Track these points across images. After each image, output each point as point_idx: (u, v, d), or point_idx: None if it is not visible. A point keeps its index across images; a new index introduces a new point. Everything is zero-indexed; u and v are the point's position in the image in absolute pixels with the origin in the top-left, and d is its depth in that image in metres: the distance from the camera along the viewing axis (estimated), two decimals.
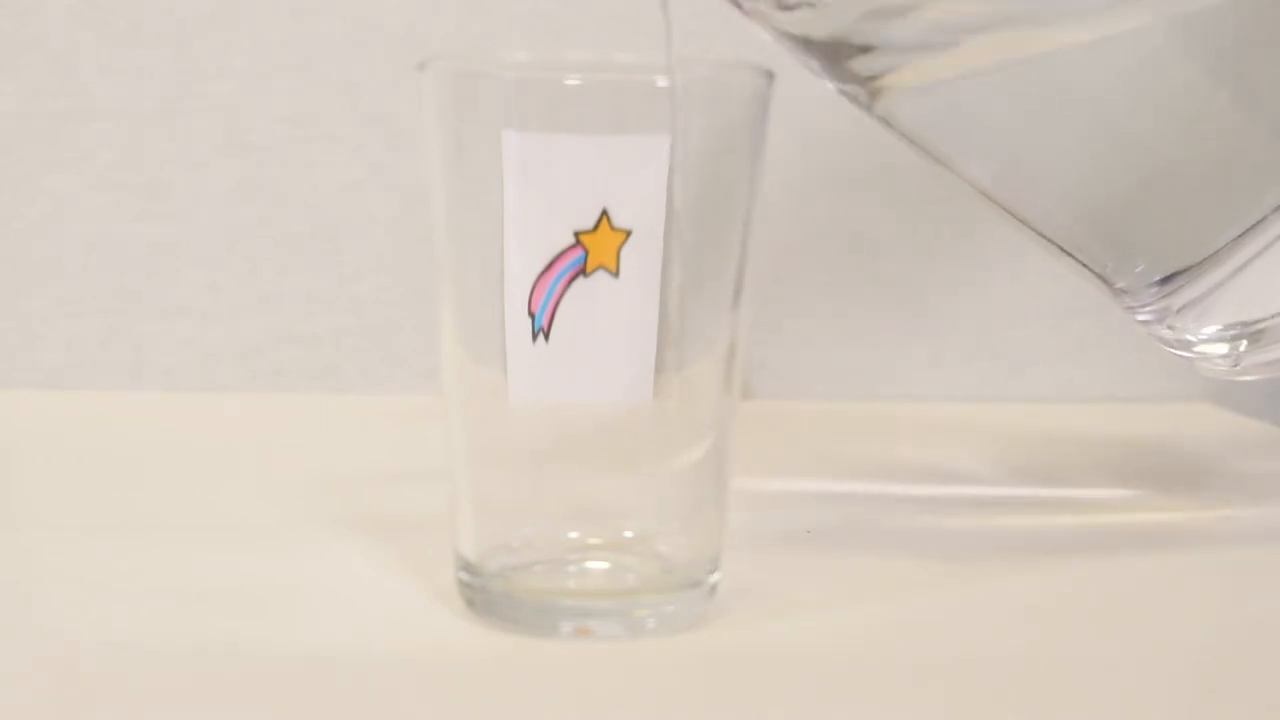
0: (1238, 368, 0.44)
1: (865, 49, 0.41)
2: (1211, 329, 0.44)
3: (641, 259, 0.37)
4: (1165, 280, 0.43)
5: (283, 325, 0.66)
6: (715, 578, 0.39)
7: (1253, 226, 0.42)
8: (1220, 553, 0.47)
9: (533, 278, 0.37)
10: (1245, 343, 0.44)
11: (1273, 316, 0.43)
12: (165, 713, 0.33)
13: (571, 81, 0.37)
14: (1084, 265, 0.45)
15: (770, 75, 0.37)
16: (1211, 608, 0.42)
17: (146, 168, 0.65)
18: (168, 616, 0.38)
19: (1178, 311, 0.43)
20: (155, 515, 0.47)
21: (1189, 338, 0.44)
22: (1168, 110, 0.42)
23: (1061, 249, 0.45)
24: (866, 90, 0.42)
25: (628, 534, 0.37)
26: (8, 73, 0.64)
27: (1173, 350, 0.45)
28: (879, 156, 0.67)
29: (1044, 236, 0.44)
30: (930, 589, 0.42)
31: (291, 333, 0.66)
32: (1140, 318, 0.45)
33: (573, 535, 0.37)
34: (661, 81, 0.36)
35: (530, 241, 0.37)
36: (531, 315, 0.37)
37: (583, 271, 0.37)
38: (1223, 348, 0.44)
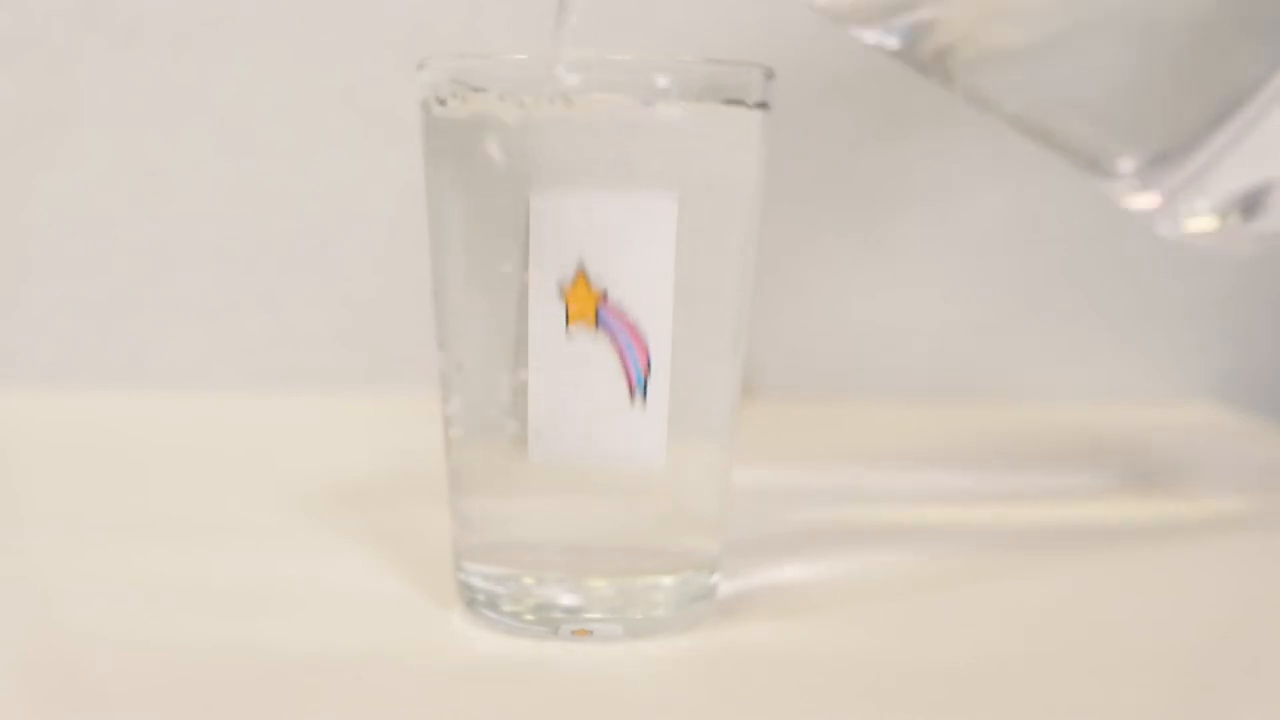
0: (1233, 242, 0.46)
1: None
2: (1207, 204, 0.45)
3: None
4: (1155, 161, 0.44)
5: (283, 325, 0.66)
6: (715, 578, 0.39)
7: (1233, 105, 0.43)
8: (1221, 551, 0.47)
9: None
10: (1236, 216, 0.45)
11: (1260, 188, 0.44)
12: (166, 713, 0.33)
13: (571, 80, 0.37)
14: (1077, 154, 0.46)
15: (770, 74, 0.37)
16: (1212, 606, 0.42)
17: (146, 168, 0.65)
18: (168, 616, 0.38)
19: (1174, 191, 0.44)
20: (155, 515, 0.47)
21: (1188, 215, 0.45)
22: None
23: (1054, 140, 0.46)
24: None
25: (627, 534, 0.37)
26: (8, 73, 0.64)
27: (1171, 233, 0.46)
28: (883, 156, 0.68)
29: (1037, 129, 0.46)
30: (931, 589, 0.42)
31: (291, 333, 0.66)
32: (1139, 203, 0.46)
33: (573, 535, 0.37)
34: (662, 80, 0.36)
35: None
36: None
37: None
38: (1217, 222, 0.45)
